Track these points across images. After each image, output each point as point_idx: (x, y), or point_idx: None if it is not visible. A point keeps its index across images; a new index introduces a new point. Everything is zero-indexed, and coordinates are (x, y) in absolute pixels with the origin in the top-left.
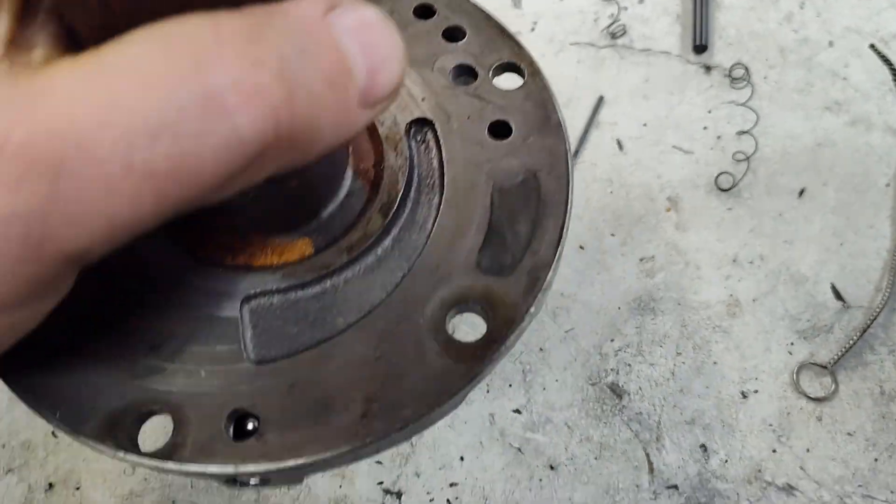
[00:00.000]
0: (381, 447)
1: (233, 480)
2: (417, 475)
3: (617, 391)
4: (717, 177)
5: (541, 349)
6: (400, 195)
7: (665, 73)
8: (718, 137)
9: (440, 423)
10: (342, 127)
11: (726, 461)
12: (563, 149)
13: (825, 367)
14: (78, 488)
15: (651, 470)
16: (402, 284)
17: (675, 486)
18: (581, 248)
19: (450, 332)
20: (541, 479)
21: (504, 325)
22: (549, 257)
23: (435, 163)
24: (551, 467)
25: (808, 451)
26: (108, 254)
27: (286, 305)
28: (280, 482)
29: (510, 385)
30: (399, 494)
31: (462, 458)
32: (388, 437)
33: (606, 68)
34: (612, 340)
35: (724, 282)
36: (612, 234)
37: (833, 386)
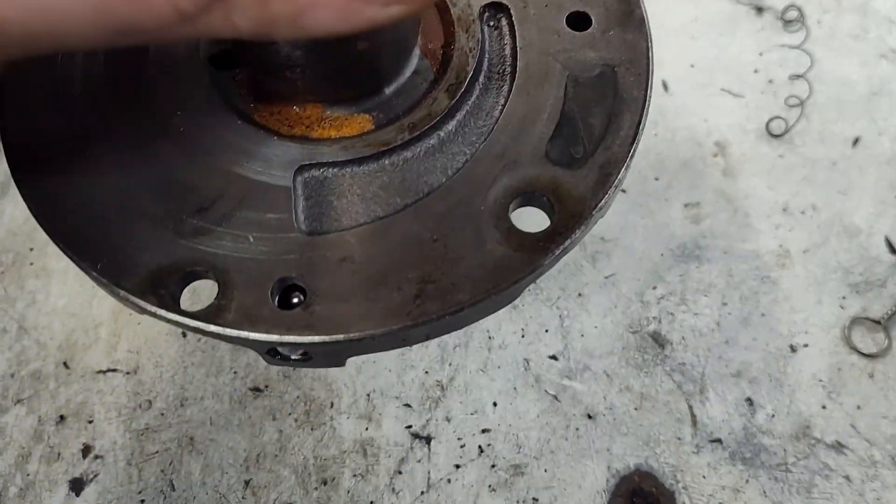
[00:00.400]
0: (433, 331)
1: (274, 352)
2: (448, 420)
3: (659, 340)
4: (768, 122)
5: (579, 294)
6: (468, 77)
7: (714, 13)
8: (770, 81)
9: (472, 367)
10: None
11: (773, 416)
12: (644, 45)
13: (878, 323)
14: (90, 422)
15: (694, 423)
16: (464, 169)
17: (719, 440)
18: (623, 191)
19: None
20: (577, 429)
21: (570, 220)
22: (622, 154)
23: (507, 49)
24: (589, 416)
25: (858, 408)
26: (38, 51)
27: (341, 180)
28: (322, 361)
29: (546, 330)
30: (428, 439)
31: (495, 404)
32: (441, 319)
33: (653, 4)
34: (655, 288)
35: (773, 231)
36: (656, 178)
37: (886, 342)
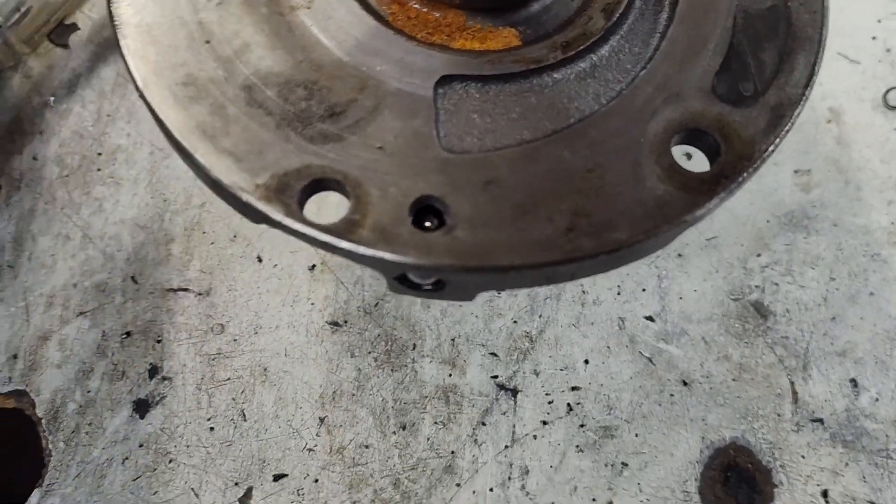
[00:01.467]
0: (580, 270)
1: (403, 278)
2: (536, 374)
3: (762, 311)
4: (885, 93)
5: (679, 255)
6: None
7: None
8: (888, 50)
9: (564, 321)
10: None
11: (877, 400)
12: None
13: None
14: (159, 341)
15: (795, 400)
16: (620, 97)
17: (821, 420)
18: None
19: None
20: (672, 395)
21: (737, 162)
22: (796, 95)
23: None
24: (684, 383)
25: None
26: None
27: (485, 96)
28: (453, 293)
29: (643, 290)
30: (515, 392)
31: (586, 362)
32: (595, 257)
33: None
34: (759, 255)
35: (886, 207)
36: None
37: None
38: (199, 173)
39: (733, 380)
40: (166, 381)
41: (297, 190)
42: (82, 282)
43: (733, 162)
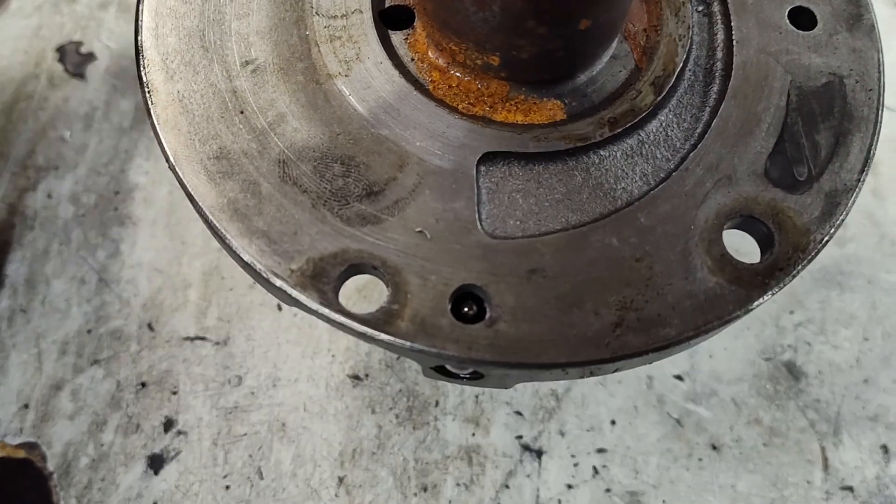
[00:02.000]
0: (626, 365)
1: (441, 368)
2: (562, 434)
3: (794, 371)
4: None
5: None
6: (677, 71)
7: None
8: None
9: (591, 379)
10: None
11: None
12: (875, 56)
13: None
14: (175, 393)
15: (826, 466)
16: (670, 179)
17: (850, 489)
18: None
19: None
20: (701, 459)
21: (792, 253)
22: (852, 181)
23: (719, 42)
24: (714, 447)
25: None
26: None
27: (529, 175)
28: (489, 382)
29: None
30: (539, 453)
31: (613, 423)
32: (643, 355)
33: None
34: (792, 312)
35: None
36: None
37: None
38: (230, 252)
39: (764, 444)
40: (181, 436)
41: (333, 276)
42: (97, 328)
43: (787, 253)
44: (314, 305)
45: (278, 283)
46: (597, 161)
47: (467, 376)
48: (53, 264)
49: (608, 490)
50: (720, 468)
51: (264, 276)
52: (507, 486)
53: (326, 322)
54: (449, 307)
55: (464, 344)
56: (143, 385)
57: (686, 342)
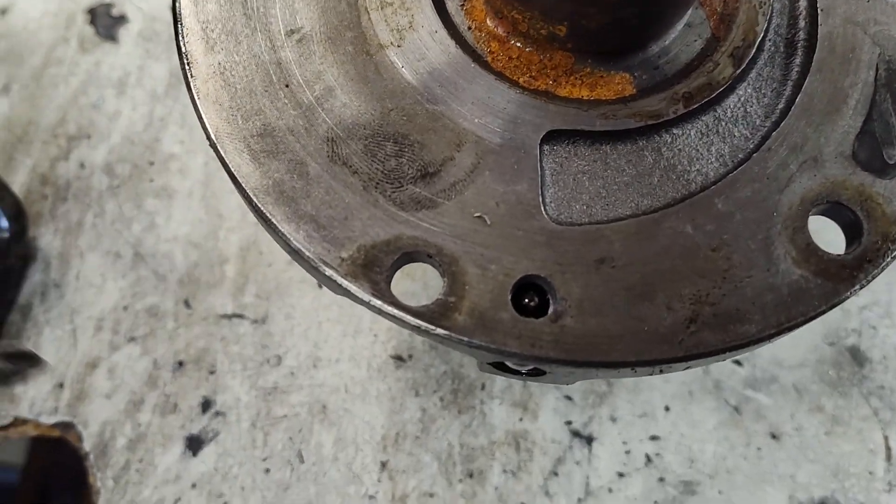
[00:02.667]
0: (699, 364)
1: (499, 364)
2: (613, 420)
3: (858, 357)
4: None
5: None
6: (757, 41)
7: None
8: None
9: None
10: None
11: None
12: None
13: None
14: (212, 372)
15: (889, 456)
16: (751, 159)
17: None
18: None
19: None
20: (759, 448)
21: (883, 243)
22: None
23: (802, 11)
24: (773, 436)
25: None
26: None
27: (595, 155)
28: (551, 378)
29: None
30: (590, 440)
31: (667, 409)
32: (719, 354)
33: None
34: (857, 295)
35: None
36: None
37: None
38: (276, 238)
39: (825, 434)
40: (220, 416)
41: (386, 265)
42: (133, 304)
43: (876, 243)
44: (366, 297)
45: (328, 272)
46: (669, 140)
47: (527, 372)
48: (88, 237)
49: (661, 479)
50: (779, 457)
51: (313, 264)
52: (556, 474)
53: (377, 314)
54: (510, 299)
55: (527, 340)
56: (181, 364)
57: (767, 340)
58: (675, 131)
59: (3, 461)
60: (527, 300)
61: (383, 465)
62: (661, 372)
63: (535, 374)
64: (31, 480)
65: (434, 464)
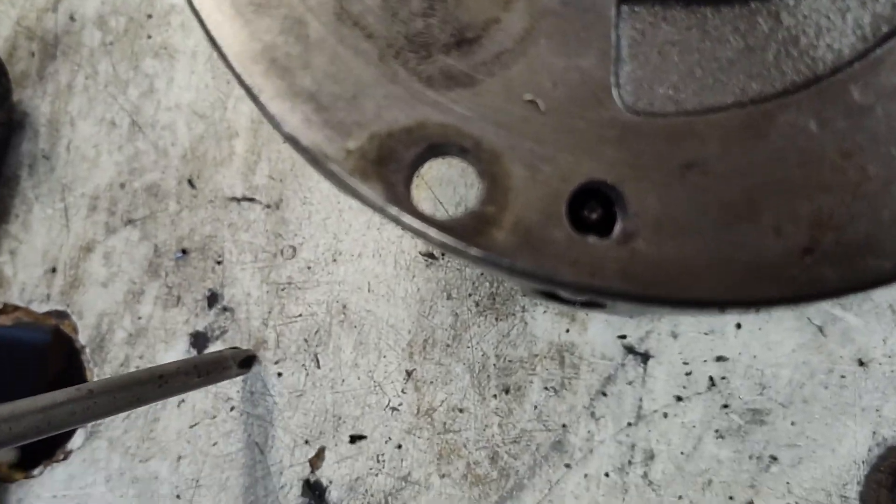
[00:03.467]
0: (805, 303)
1: (551, 292)
2: (674, 336)
3: None
4: None
5: None
6: None
7: None
8: None
9: None
10: None
11: None
12: None
13: None
14: (219, 262)
15: None
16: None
17: None
18: None
19: None
20: (843, 376)
21: None
22: None
23: None
24: (860, 362)
25: None
26: None
27: (691, 21)
28: (615, 311)
29: None
30: (646, 357)
31: (738, 326)
32: (840, 293)
33: None
34: None
35: None
36: None
37: None
38: (267, 118)
39: None
40: (227, 313)
41: (406, 161)
42: (131, 181)
43: None
44: (378, 201)
45: (331, 166)
46: (792, 3)
47: (583, 303)
48: (79, 102)
49: (725, 406)
50: (865, 388)
51: (312, 155)
52: (605, 394)
53: (394, 223)
54: (566, 212)
55: (585, 266)
56: (184, 252)
57: None
58: None
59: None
60: (587, 212)
61: (409, 374)
62: (758, 312)
63: (593, 305)
64: (59, 343)
65: (466, 376)
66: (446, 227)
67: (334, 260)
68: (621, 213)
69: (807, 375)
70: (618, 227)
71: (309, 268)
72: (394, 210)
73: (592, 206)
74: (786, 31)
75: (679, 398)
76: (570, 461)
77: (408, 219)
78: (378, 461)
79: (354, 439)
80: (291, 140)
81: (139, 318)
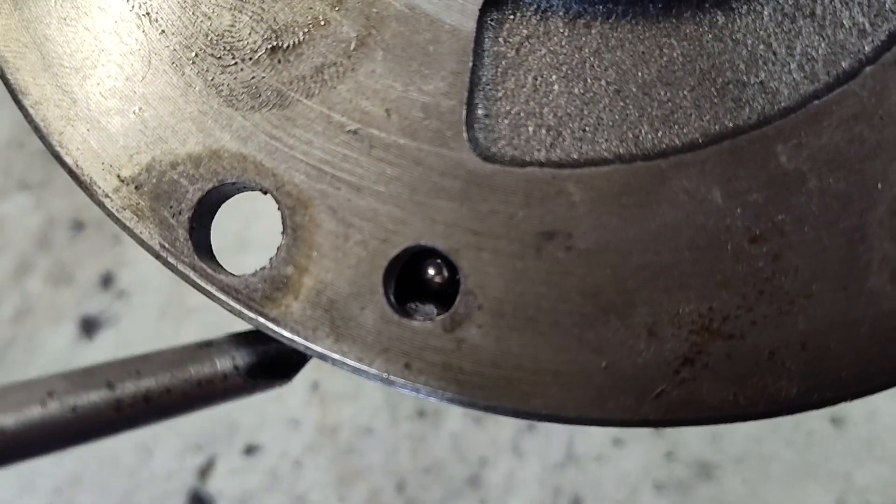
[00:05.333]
0: (676, 427)
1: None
2: None
3: None
4: None
5: None
6: None
7: None
8: None
9: None
10: None
11: None
12: None
13: None
14: (118, 241)
15: None
16: (860, 77)
17: None
18: None
19: None
20: (811, 434)
21: None
22: None
23: None
24: (834, 421)
25: None
26: None
27: (581, 40)
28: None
29: None
30: None
31: None
32: (720, 420)
33: None
34: None
35: None
36: None
37: None
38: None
39: None
40: (123, 298)
41: (190, 199)
42: (27, 143)
43: None
44: (154, 246)
45: (99, 196)
46: (721, 23)
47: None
48: None
49: (670, 454)
50: (836, 449)
51: (78, 180)
52: (532, 428)
53: (179, 275)
54: (383, 284)
55: (398, 357)
56: (80, 225)
57: (814, 407)
58: (735, 6)
59: None
60: (431, 274)
61: (314, 385)
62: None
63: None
64: None
65: (378, 393)
66: (230, 289)
67: (244, 249)
68: (458, 285)
69: (769, 429)
70: (449, 307)
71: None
72: (171, 258)
73: (437, 267)
74: (707, 61)
75: (618, 441)
76: (485, 498)
77: (186, 271)
78: (274, 477)
79: (250, 451)
80: (56, 158)
81: (28, 294)
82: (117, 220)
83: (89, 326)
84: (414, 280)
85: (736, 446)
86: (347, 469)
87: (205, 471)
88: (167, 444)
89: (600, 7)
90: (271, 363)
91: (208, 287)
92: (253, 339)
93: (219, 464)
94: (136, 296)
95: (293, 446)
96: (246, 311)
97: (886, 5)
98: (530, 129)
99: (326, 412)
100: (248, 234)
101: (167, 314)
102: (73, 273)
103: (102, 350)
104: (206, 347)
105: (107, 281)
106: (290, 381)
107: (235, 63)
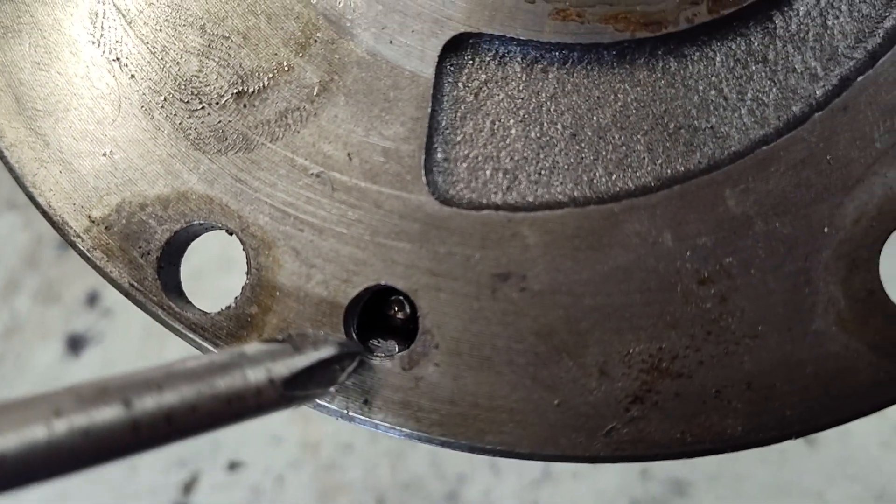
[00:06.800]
0: (627, 462)
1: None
2: None
3: None
4: None
5: None
6: None
7: None
8: None
9: None
10: None
11: None
12: None
13: None
14: None
15: None
16: (809, 122)
17: None
18: None
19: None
20: (784, 451)
21: None
22: None
23: None
24: (807, 439)
25: None
26: None
27: (538, 85)
28: None
29: None
30: None
31: None
32: (668, 456)
33: None
34: None
35: None
36: None
37: None
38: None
39: (882, 443)
40: (108, 316)
41: (159, 240)
42: None
43: None
44: (124, 285)
45: (71, 237)
46: (674, 69)
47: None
48: None
49: (645, 472)
50: (809, 467)
51: (51, 220)
52: None
53: (145, 312)
54: (343, 322)
55: (358, 392)
56: (67, 245)
57: (758, 445)
58: (687, 53)
59: None
60: (393, 311)
61: None
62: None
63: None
64: None
65: None
66: (197, 327)
67: (229, 269)
68: (415, 323)
69: None
70: (407, 346)
71: (199, 274)
72: (139, 296)
73: (400, 304)
74: (660, 106)
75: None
76: None
77: (153, 308)
78: (256, 493)
79: (233, 467)
80: (30, 198)
81: (16, 312)
82: (88, 260)
83: (76, 344)
84: (378, 316)
85: (710, 464)
86: (329, 484)
87: (189, 486)
88: (152, 459)
89: (556, 53)
90: (310, 372)
91: (175, 325)
92: (291, 345)
93: (202, 479)
94: (121, 314)
95: (276, 462)
96: (212, 350)
97: (839, 49)
98: (488, 172)
99: (308, 429)
100: (232, 253)
101: (151, 333)
102: (59, 291)
103: (89, 367)
104: (237, 356)
105: (93, 299)
106: (338, 387)
107: (203, 107)
